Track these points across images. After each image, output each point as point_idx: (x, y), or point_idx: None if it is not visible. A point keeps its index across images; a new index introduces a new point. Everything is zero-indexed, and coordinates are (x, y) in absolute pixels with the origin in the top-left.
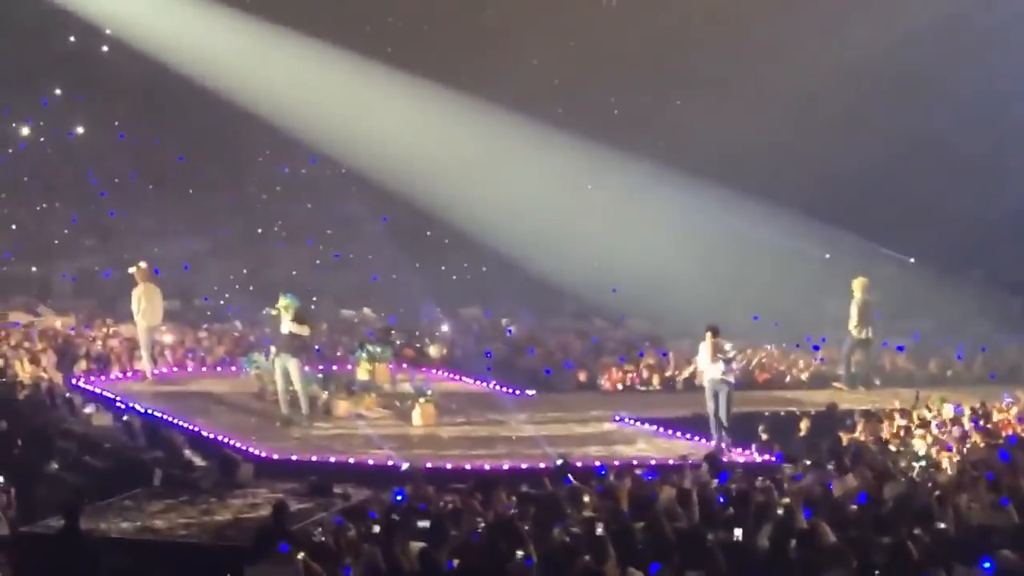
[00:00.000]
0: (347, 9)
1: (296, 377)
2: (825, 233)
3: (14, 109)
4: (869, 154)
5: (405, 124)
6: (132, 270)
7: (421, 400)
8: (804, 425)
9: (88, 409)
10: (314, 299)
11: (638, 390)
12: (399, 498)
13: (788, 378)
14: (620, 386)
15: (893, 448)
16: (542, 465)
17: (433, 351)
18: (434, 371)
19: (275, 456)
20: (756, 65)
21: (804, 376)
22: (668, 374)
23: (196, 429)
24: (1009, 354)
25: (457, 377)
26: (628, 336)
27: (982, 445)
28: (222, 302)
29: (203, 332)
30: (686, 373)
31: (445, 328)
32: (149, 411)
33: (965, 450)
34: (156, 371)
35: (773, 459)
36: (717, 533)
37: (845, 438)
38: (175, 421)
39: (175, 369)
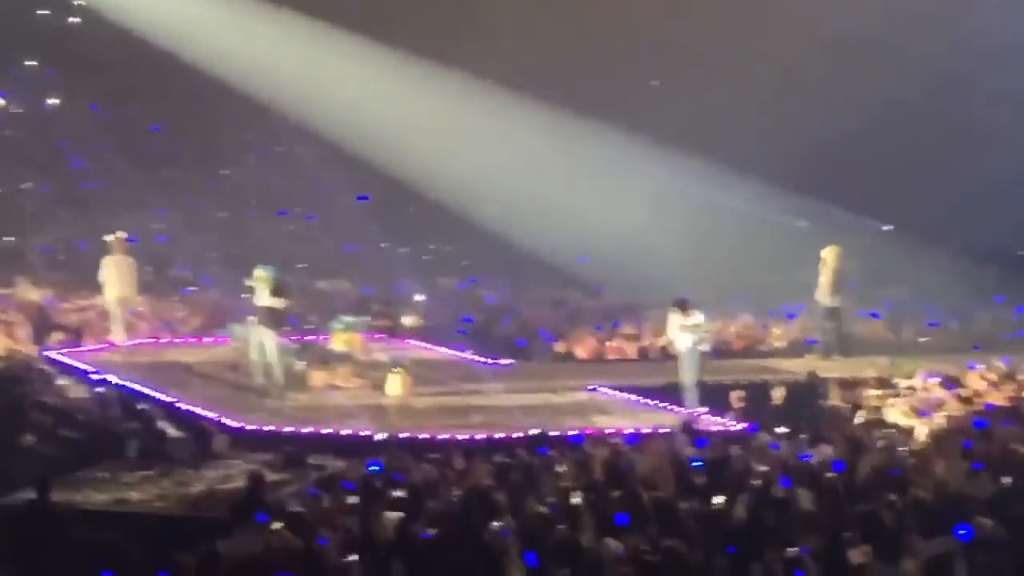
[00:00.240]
0: None
1: (272, 349)
2: (801, 202)
3: None
4: (845, 123)
5: (381, 96)
6: (109, 238)
7: (396, 370)
8: (779, 394)
9: (62, 381)
10: (294, 269)
11: (613, 360)
12: (374, 468)
13: (764, 346)
14: (595, 355)
15: (868, 416)
16: (518, 435)
17: (408, 321)
18: (409, 341)
19: (250, 427)
20: (731, 35)
21: (780, 344)
22: (643, 344)
23: (171, 400)
24: (982, 323)
25: (432, 347)
26: (604, 306)
27: (958, 413)
28: (197, 273)
29: (177, 303)
30: (661, 342)
31: (420, 298)
32: (123, 383)
33: (940, 417)
34: (129, 342)
35: (748, 427)
36: (692, 502)
37: (821, 407)
38: (149, 392)
39: (149, 340)
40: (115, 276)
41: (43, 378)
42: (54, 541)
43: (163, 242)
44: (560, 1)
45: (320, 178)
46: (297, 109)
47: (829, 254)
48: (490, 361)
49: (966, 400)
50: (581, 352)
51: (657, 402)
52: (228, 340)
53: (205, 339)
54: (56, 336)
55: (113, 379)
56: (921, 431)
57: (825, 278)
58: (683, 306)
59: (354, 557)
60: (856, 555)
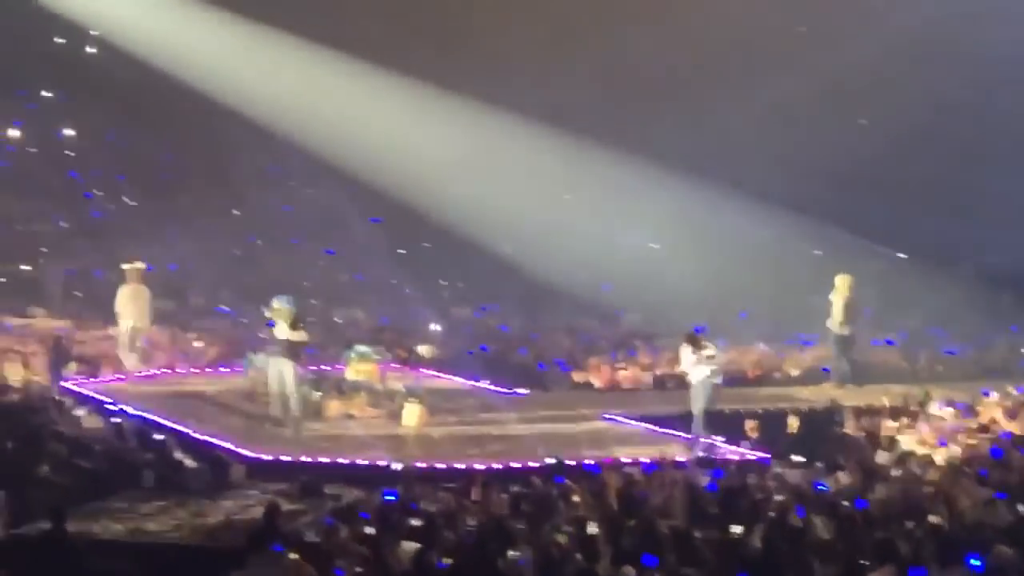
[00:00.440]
0: (335, 9)
1: (291, 380)
2: (817, 229)
3: (2, 111)
4: (861, 149)
5: (394, 124)
6: (126, 267)
7: (412, 400)
8: (794, 422)
9: (79, 411)
10: (311, 302)
11: (629, 388)
12: (390, 498)
13: (779, 374)
14: (611, 384)
15: (884, 444)
16: (534, 464)
17: (424, 351)
18: (425, 371)
19: (266, 457)
20: (748, 62)
21: (795, 373)
22: (659, 372)
23: (187, 430)
24: (998, 349)
25: (448, 377)
26: (620, 334)
27: (973, 441)
28: (212, 303)
29: (193, 333)
30: (676, 370)
31: (435, 328)
32: (140, 413)
33: (957, 446)
34: (145, 371)
35: (763, 456)
36: (708, 531)
37: (836, 435)
38: (166, 423)
39: (165, 371)
40: (130, 305)
41: (59, 408)
42: (70, 571)
43: (178, 271)
44: (574, 26)
45: (334, 207)
46: (311, 138)
47: (841, 283)
48: (506, 390)
49: (983, 428)
50: (597, 381)
51: (673, 431)
52: (246, 370)
53: (223, 369)
54: (72, 366)
55: (129, 409)
56: (937, 459)
57: (837, 307)
58: (695, 340)
59: None
60: None
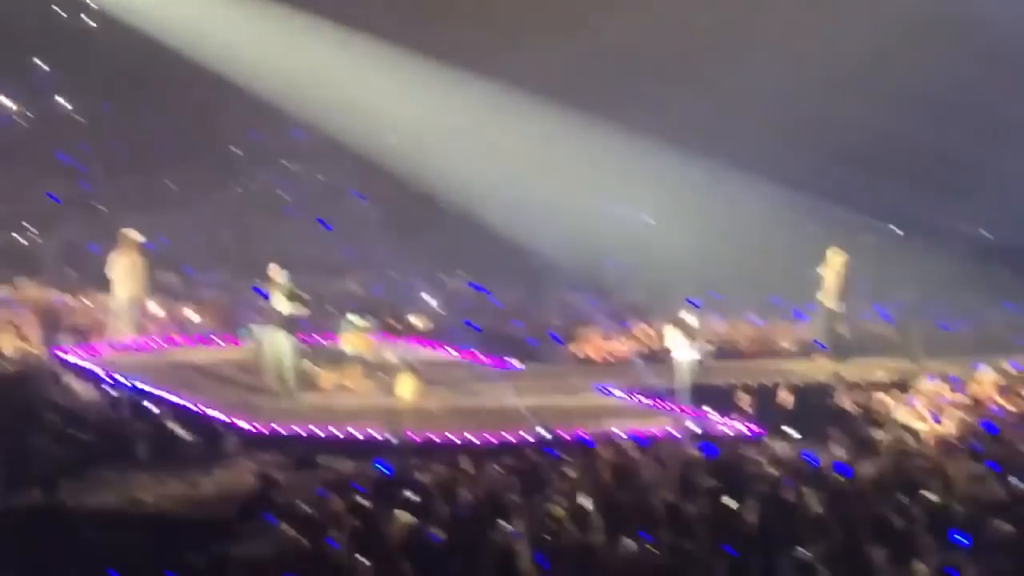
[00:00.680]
0: None
1: (287, 351)
2: (811, 204)
3: None
4: (858, 124)
5: (390, 96)
6: (124, 232)
7: (406, 372)
8: (788, 396)
9: (72, 382)
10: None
11: (624, 361)
12: (384, 470)
13: (773, 348)
14: (605, 357)
15: (878, 418)
16: (528, 437)
17: (418, 322)
18: (418, 342)
19: (260, 428)
20: (744, 37)
21: (788, 346)
22: (653, 345)
23: (181, 401)
24: (993, 325)
25: (442, 348)
26: (615, 307)
27: (967, 416)
28: (206, 274)
29: (188, 304)
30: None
31: (429, 299)
32: (133, 383)
33: (950, 420)
34: (137, 343)
35: (756, 430)
36: (701, 504)
37: (830, 409)
38: (159, 393)
39: (159, 341)
40: (125, 275)
41: (53, 378)
42: (63, 542)
43: (172, 243)
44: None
45: (329, 180)
46: (308, 111)
47: (833, 256)
48: (500, 363)
49: (976, 403)
50: (591, 353)
51: (666, 404)
52: (243, 342)
53: (217, 340)
54: (66, 336)
55: (123, 380)
56: (931, 434)
57: (829, 280)
58: (683, 324)
59: (363, 559)
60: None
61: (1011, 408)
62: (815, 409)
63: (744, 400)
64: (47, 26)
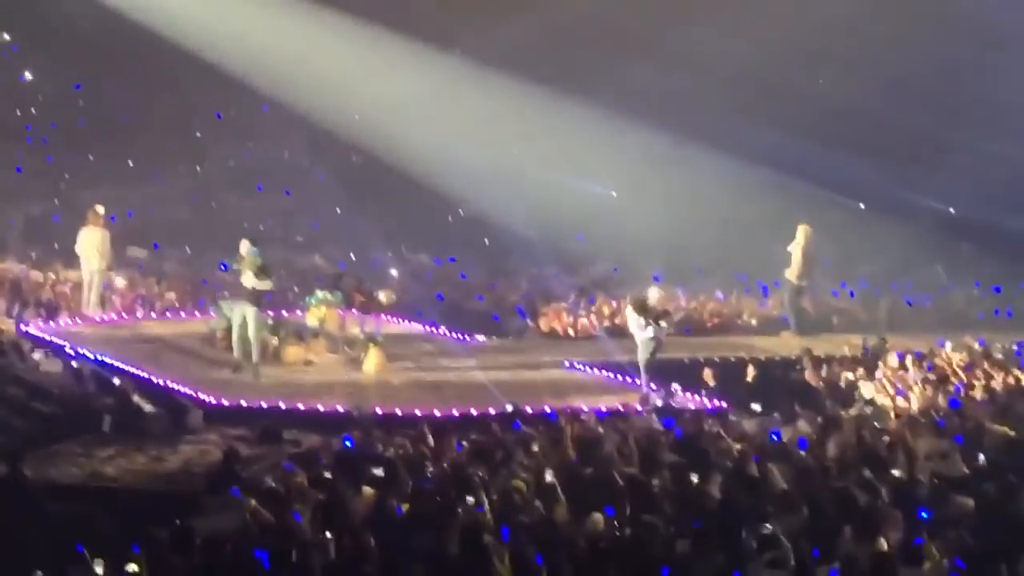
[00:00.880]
0: None
1: (252, 325)
2: (775, 179)
3: None
4: (822, 99)
5: (354, 70)
6: (90, 210)
7: (371, 346)
8: (752, 371)
9: (37, 355)
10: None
11: (588, 336)
12: (349, 444)
13: (738, 323)
14: (570, 332)
15: (842, 394)
16: (492, 411)
17: (383, 297)
18: (384, 317)
19: (225, 402)
20: (707, 10)
21: (753, 322)
22: (618, 321)
23: (146, 375)
24: (957, 301)
25: (407, 323)
26: (579, 282)
27: (932, 391)
28: (172, 248)
29: (152, 278)
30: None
31: (395, 273)
32: (98, 357)
33: (915, 396)
34: (104, 316)
35: (721, 405)
36: (665, 480)
37: (794, 384)
38: (124, 367)
39: (124, 315)
40: (90, 249)
41: (17, 352)
42: (27, 515)
43: (136, 216)
44: None
45: (294, 154)
46: (272, 85)
47: (801, 233)
48: (465, 337)
49: (941, 379)
50: (556, 328)
51: (631, 379)
52: (216, 316)
53: (182, 314)
54: (31, 310)
55: (88, 353)
56: (895, 409)
57: (796, 257)
58: (642, 305)
59: (328, 533)
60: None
61: (975, 383)
62: (780, 384)
63: (708, 375)
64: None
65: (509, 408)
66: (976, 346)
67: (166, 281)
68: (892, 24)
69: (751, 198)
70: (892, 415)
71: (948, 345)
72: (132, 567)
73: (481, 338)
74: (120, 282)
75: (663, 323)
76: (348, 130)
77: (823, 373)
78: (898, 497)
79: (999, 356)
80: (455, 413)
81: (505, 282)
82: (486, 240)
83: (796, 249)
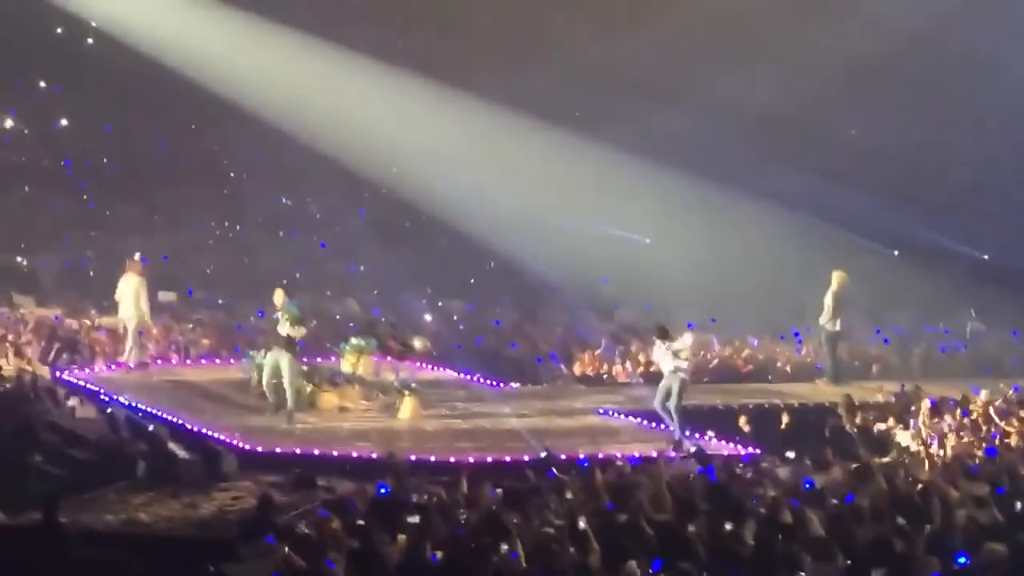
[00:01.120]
0: (331, 2)
1: (287, 371)
2: (810, 226)
3: None
4: (855, 144)
5: (389, 117)
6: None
7: (405, 392)
8: (786, 418)
9: (71, 401)
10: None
11: (622, 382)
12: (383, 491)
13: (772, 370)
14: (604, 378)
15: (877, 441)
16: (526, 458)
17: (417, 343)
18: (418, 363)
19: (259, 448)
20: (740, 56)
21: (788, 368)
22: (652, 367)
23: (180, 421)
24: (991, 346)
25: (441, 369)
26: (613, 328)
27: (967, 439)
28: (207, 294)
29: (188, 324)
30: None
31: (429, 320)
32: (133, 403)
33: (949, 443)
34: (137, 362)
35: (755, 451)
36: (699, 526)
37: (828, 431)
38: (159, 413)
39: (159, 361)
40: (127, 296)
41: (53, 398)
42: (61, 562)
43: (171, 262)
44: (568, 20)
45: (330, 200)
46: (306, 131)
47: (835, 279)
48: (499, 384)
49: (975, 427)
50: (589, 374)
51: (664, 426)
52: (244, 369)
53: (217, 361)
54: (66, 356)
55: (123, 400)
56: (930, 456)
57: (829, 303)
58: (664, 332)
59: None
60: None
61: (1010, 430)
62: (814, 431)
63: (743, 421)
64: (49, 46)
65: (543, 454)
66: (1011, 392)
67: (201, 327)
68: (926, 70)
69: (785, 244)
70: (927, 463)
71: (983, 393)
72: None
73: (515, 384)
74: (154, 329)
75: (684, 352)
76: (382, 177)
77: (857, 420)
78: (933, 544)
79: None
80: (489, 460)
81: (538, 328)
82: (519, 286)
83: (830, 295)
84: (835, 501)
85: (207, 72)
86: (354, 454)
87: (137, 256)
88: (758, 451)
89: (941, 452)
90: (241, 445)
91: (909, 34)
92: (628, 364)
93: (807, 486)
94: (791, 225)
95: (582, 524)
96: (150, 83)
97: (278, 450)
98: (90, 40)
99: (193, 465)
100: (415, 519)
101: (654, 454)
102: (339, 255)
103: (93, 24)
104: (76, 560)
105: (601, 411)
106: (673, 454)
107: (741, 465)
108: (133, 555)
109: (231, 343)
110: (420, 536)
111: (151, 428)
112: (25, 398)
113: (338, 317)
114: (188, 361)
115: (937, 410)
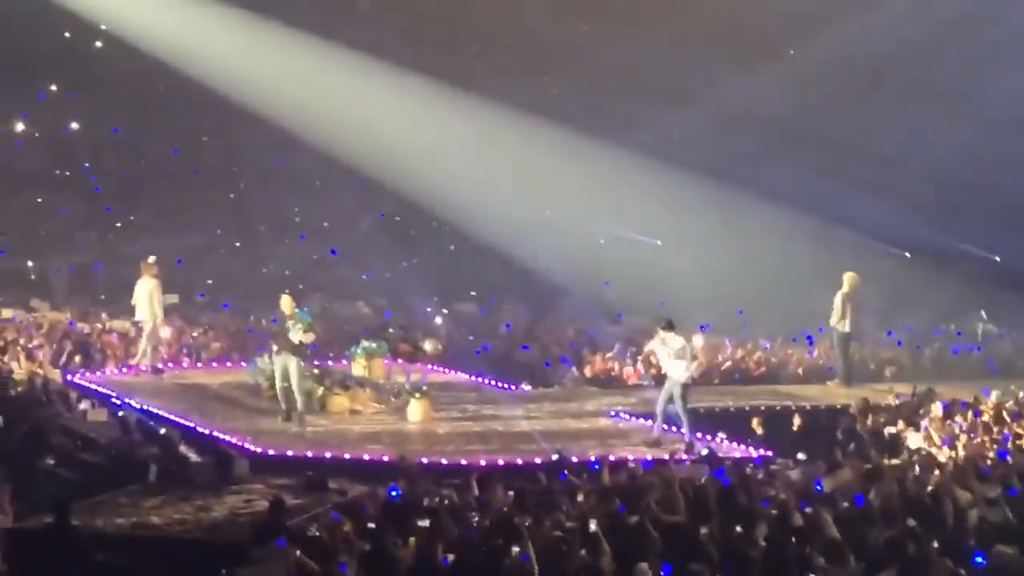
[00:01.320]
0: (340, 4)
1: (295, 375)
2: (820, 227)
3: (9, 104)
4: (866, 147)
5: (398, 119)
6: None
7: (416, 395)
8: (798, 420)
9: (83, 405)
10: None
11: (633, 385)
12: (394, 493)
13: (783, 372)
14: (614, 380)
15: (888, 443)
16: (537, 460)
17: (428, 346)
18: (429, 366)
19: (271, 452)
20: (748, 55)
21: (800, 371)
22: (663, 369)
23: (192, 425)
24: (1004, 348)
25: (452, 372)
26: (624, 331)
27: (978, 440)
28: (217, 298)
29: (199, 327)
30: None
31: (439, 322)
32: (145, 407)
33: (961, 445)
34: (148, 366)
35: (767, 453)
36: (712, 528)
37: (839, 433)
38: (171, 417)
39: (170, 364)
40: (141, 300)
41: (64, 401)
42: (74, 565)
43: (181, 265)
44: (573, 21)
45: (340, 202)
46: (317, 134)
47: (846, 280)
48: (510, 386)
49: (987, 428)
50: (600, 377)
51: (676, 428)
52: (252, 374)
53: (228, 364)
54: (77, 359)
55: (135, 403)
56: (941, 458)
57: (840, 304)
58: (669, 327)
59: None
60: None
61: (1022, 432)
62: (825, 433)
63: (756, 423)
64: (58, 50)
65: (555, 457)
66: (1022, 394)
67: (212, 331)
68: (937, 72)
69: (797, 247)
70: (938, 464)
71: (993, 394)
72: None
73: (526, 387)
74: (166, 332)
75: (675, 355)
76: (394, 180)
77: (868, 422)
78: (945, 546)
79: None
80: (500, 462)
81: (549, 331)
82: (531, 289)
83: (841, 297)
84: (846, 504)
85: (216, 75)
86: (366, 457)
87: (152, 259)
88: (769, 453)
89: (952, 454)
90: (252, 448)
91: (920, 36)
92: (639, 366)
93: (818, 488)
94: (802, 227)
95: (593, 527)
96: (160, 86)
97: (289, 453)
98: (99, 43)
99: (205, 468)
100: (426, 522)
101: (666, 456)
102: (350, 259)
103: (102, 27)
104: (88, 563)
105: (612, 413)
106: (684, 456)
107: (752, 467)
108: (145, 558)
109: (242, 346)
110: (431, 538)
111: (163, 431)
112: (37, 401)
113: (347, 322)
114: (199, 364)
115: (948, 412)
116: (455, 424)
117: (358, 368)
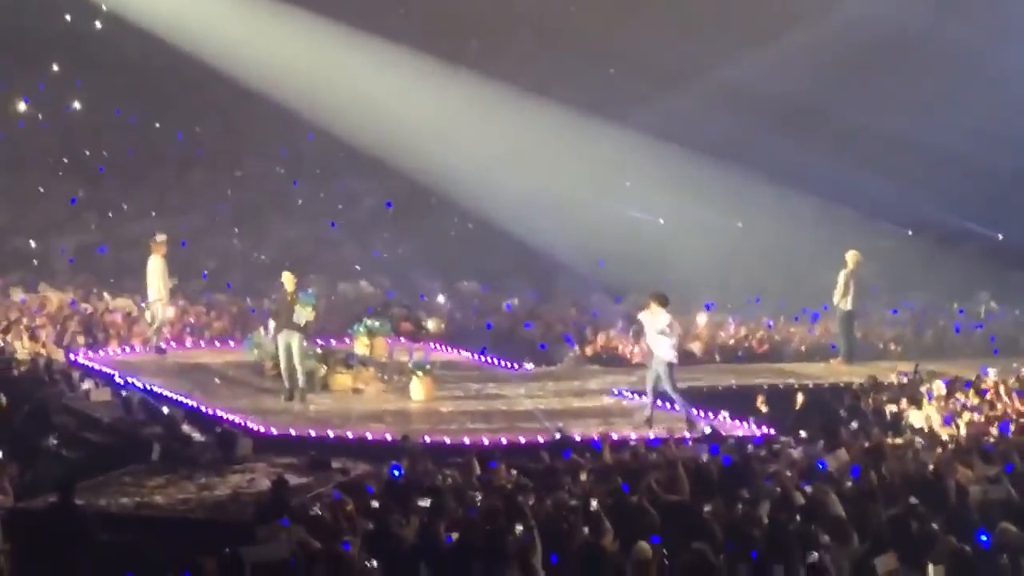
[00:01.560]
0: None
1: (297, 353)
2: (824, 207)
3: (11, 85)
4: (869, 127)
5: (398, 99)
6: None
7: (419, 374)
8: (800, 398)
9: (86, 384)
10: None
11: (636, 363)
12: (397, 472)
13: (786, 350)
14: (618, 359)
15: (890, 421)
16: (540, 439)
17: (431, 325)
18: (432, 345)
19: (274, 431)
20: (752, 37)
21: (803, 348)
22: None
23: (195, 404)
24: (1005, 327)
25: (455, 351)
26: (627, 309)
27: (981, 418)
28: (220, 278)
29: (202, 307)
30: (685, 345)
31: (442, 301)
32: (147, 386)
33: (963, 423)
34: (151, 345)
35: (769, 432)
36: (714, 506)
37: (842, 411)
38: (174, 396)
39: (173, 344)
40: (152, 277)
41: (67, 381)
42: (78, 544)
43: (185, 247)
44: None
45: (343, 182)
46: (321, 115)
47: (849, 259)
48: (514, 365)
49: (989, 405)
50: (603, 355)
51: (670, 405)
52: (249, 349)
53: (230, 343)
54: (80, 339)
55: (138, 383)
56: (944, 436)
57: (843, 283)
58: (661, 302)
59: (376, 561)
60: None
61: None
62: (827, 411)
63: (760, 401)
64: (60, 31)
65: (557, 436)
66: None
67: (214, 311)
68: (942, 52)
69: (800, 225)
70: (940, 442)
71: (991, 372)
72: None
73: (529, 366)
74: (169, 311)
75: (660, 331)
76: (397, 159)
77: (870, 400)
78: (946, 523)
79: None
80: (504, 441)
81: (552, 310)
82: (534, 268)
83: (844, 274)
84: (848, 484)
85: (218, 55)
86: (369, 436)
87: (160, 237)
88: (772, 431)
89: (954, 432)
90: (256, 427)
91: (922, 14)
92: (643, 344)
93: (820, 466)
94: (805, 206)
95: (594, 505)
96: (163, 67)
97: (293, 432)
98: (100, 25)
99: (208, 447)
100: (430, 500)
101: (668, 435)
102: (353, 238)
103: (103, 7)
104: (91, 542)
105: (616, 392)
106: (687, 435)
107: (754, 445)
108: (148, 538)
109: (244, 326)
110: (434, 517)
111: (166, 411)
112: (40, 381)
113: (351, 299)
114: (202, 344)
115: (951, 390)
116: (458, 403)
117: (361, 347)
